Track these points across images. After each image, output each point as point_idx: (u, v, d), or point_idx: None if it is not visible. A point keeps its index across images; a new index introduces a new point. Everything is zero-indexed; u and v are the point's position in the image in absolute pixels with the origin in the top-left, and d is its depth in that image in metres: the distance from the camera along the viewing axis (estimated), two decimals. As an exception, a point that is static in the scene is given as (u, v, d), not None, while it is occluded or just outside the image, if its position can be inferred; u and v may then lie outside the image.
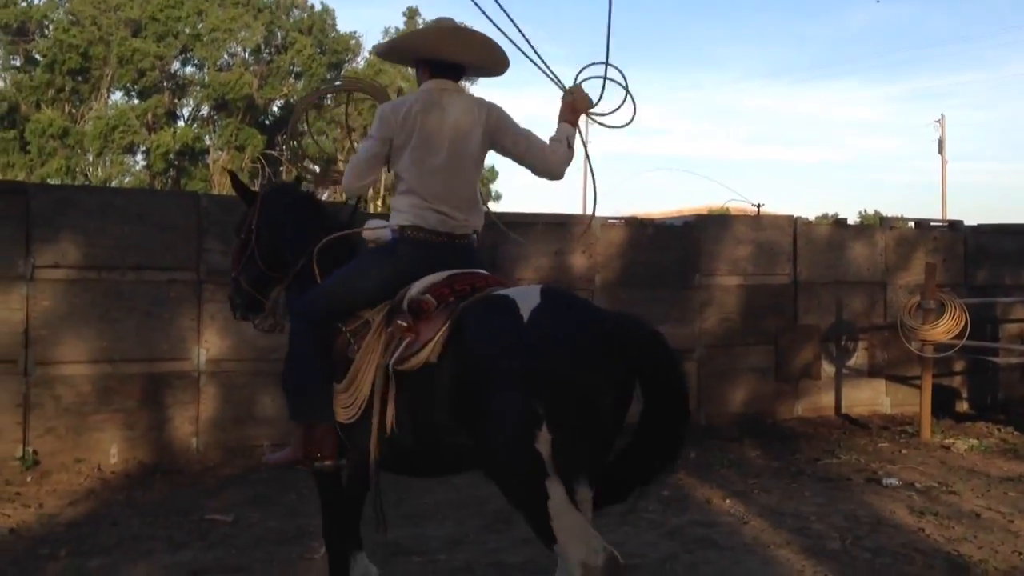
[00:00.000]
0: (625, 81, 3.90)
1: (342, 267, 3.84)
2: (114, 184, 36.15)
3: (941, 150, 35.42)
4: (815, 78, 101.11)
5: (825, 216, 33.71)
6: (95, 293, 7.12)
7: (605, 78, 3.87)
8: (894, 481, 6.95)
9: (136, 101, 38.46)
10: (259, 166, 39.49)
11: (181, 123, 40.51)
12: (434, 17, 3.94)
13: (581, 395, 3.02)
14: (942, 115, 35.67)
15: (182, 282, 7.38)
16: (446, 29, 3.81)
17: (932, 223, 10.72)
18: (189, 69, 40.98)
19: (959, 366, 10.15)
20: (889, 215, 35.46)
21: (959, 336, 8.40)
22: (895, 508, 6.24)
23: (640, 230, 8.98)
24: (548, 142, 3.81)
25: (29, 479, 6.67)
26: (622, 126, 4.01)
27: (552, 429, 2.97)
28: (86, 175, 37.60)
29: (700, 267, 9.10)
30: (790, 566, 5.07)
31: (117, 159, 38.32)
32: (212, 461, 7.34)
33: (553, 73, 3.89)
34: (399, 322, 3.43)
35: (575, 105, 3.84)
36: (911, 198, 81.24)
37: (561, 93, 3.91)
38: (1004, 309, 10.41)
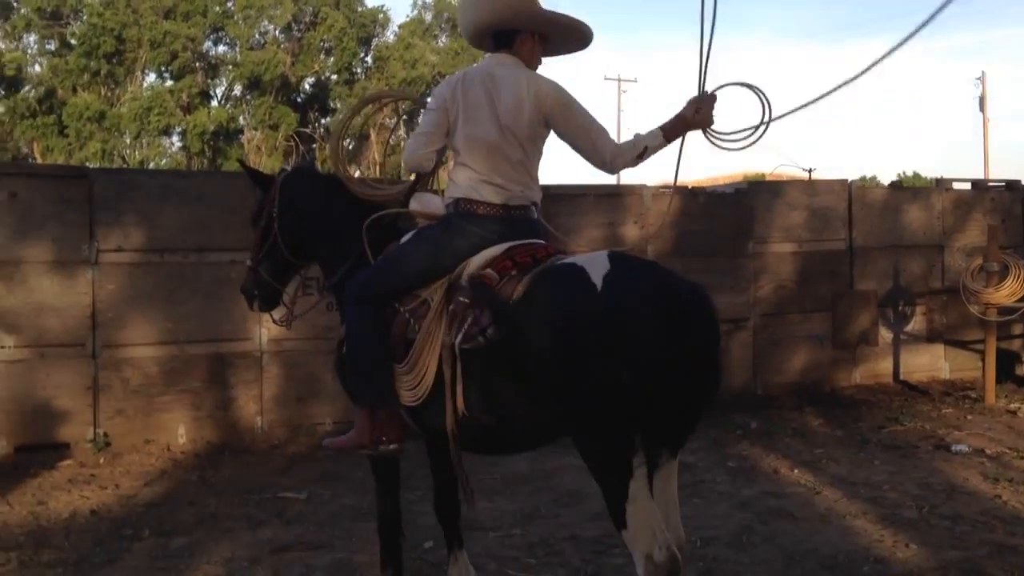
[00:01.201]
0: (770, 113, 3.56)
1: (394, 246, 3.80)
2: (151, 165, 36.53)
3: (982, 108, 34.72)
4: (848, 37, 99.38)
5: (863, 179, 33.24)
6: (158, 276, 7.19)
7: (765, 121, 3.54)
8: (963, 447, 6.88)
9: (170, 83, 38.67)
10: (293, 144, 39.64)
11: (215, 103, 40.72)
12: None
13: (662, 362, 2.96)
14: (983, 72, 34.93)
15: (242, 263, 7.35)
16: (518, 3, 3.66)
17: (989, 183, 10.52)
18: (221, 49, 41.18)
19: (1019, 329, 9.98)
20: (928, 176, 34.75)
21: (1023, 299, 8.26)
22: (967, 475, 6.17)
23: (692, 199, 8.90)
24: (619, 141, 3.63)
25: (102, 461, 6.78)
26: (735, 150, 3.66)
27: (636, 400, 2.94)
28: (123, 157, 37.98)
29: (753, 234, 9.01)
30: (869, 536, 5.03)
31: (154, 141, 38.67)
32: (277, 439, 7.42)
33: (706, 68, 3.50)
34: (461, 299, 3.38)
35: (693, 118, 3.51)
36: (951, 158, 79.82)
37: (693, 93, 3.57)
38: (1065, 270, 10.19)
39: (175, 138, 39.85)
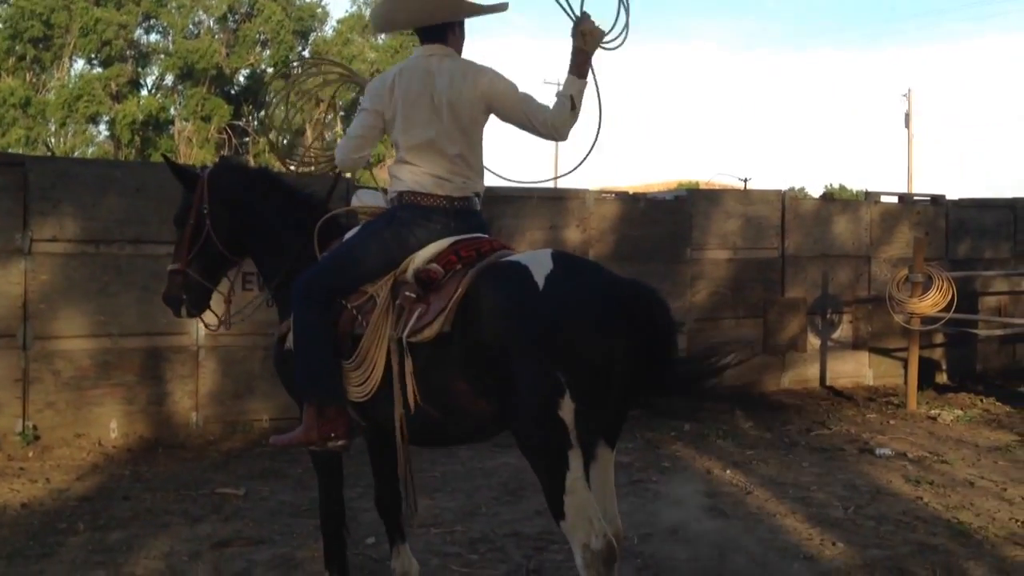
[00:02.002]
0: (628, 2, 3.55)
1: (338, 243, 3.82)
2: (76, 154, 35.59)
3: (908, 124, 35.77)
4: (784, 51, 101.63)
5: (792, 190, 34.06)
6: (93, 267, 7.07)
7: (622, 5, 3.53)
8: (887, 451, 7.13)
9: (99, 70, 37.73)
10: (225, 136, 39.04)
11: (144, 92, 39.87)
12: None
13: (601, 362, 3.09)
14: (909, 89, 35.99)
15: (180, 256, 7.32)
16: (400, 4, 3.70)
17: (915, 197, 10.90)
18: (153, 37, 40.33)
19: (939, 338, 10.37)
20: (854, 189, 35.65)
21: (946, 309, 8.59)
22: (891, 477, 6.41)
23: (632, 204, 9.06)
24: (552, 104, 3.58)
25: (31, 454, 6.65)
26: (614, 48, 3.61)
27: (575, 397, 3.06)
28: (47, 145, 36.95)
29: (691, 241, 9.20)
30: (798, 534, 5.21)
31: (81, 129, 37.66)
32: (212, 435, 7.35)
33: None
34: (407, 293, 3.42)
35: (585, 43, 3.46)
36: (877, 171, 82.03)
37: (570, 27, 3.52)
38: (983, 282, 10.64)
39: (103, 127, 38.93)
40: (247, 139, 41.79)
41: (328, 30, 42.89)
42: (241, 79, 41.91)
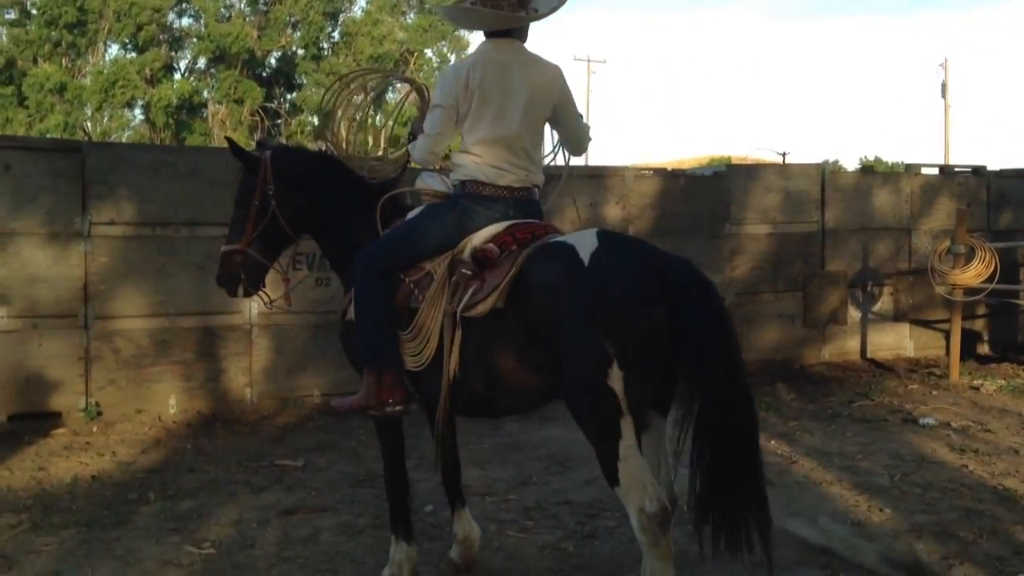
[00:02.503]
0: None
1: (400, 220, 3.98)
2: (112, 139, 36.05)
3: (944, 94, 35.36)
4: (814, 17, 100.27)
5: (826, 163, 33.81)
6: (150, 249, 7.28)
7: None
8: (930, 421, 7.20)
9: (133, 55, 38.14)
10: (258, 119, 39.33)
11: (178, 76, 40.27)
12: None
13: (645, 331, 3.22)
14: (945, 59, 35.55)
15: (233, 237, 7.51)
16: (478, 12, 3.79)
17: (956, 168, 10.87)
18: (186, 21, 40.67)
19: (980, 310, 10.36)
20: (890, 161, 35.31)
21: (988, 280, 8.61)
22: (935, 446, 6.48)
23: (671, 181, 9.13)
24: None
25: (95, 429, 6.89)
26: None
27: (622, 366, 3.18)
28: (85, 130, 37.46)
29: (730, 216, 9.26)
30: (844, 501, 5.31)
31: (117, 114, 38.13)
32: (266, 410, 7.56)
33: None
34: (463, 271, 3.60)
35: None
36: (913, 143, 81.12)
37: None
38: (1024, 253, 10.60)
39: (138, 111, 39.39)
40: (279, 121, 42.14)
41: (357, 10, 43.03)
42: (272, 61, 42.19)
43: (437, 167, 4.11)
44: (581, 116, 3.95)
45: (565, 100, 3.88)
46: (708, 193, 9.19)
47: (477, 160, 3.76)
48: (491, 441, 6.61)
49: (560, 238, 3.58)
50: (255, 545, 4.56)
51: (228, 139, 4.57)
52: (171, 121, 38.12)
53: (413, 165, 4.14)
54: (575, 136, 3.95)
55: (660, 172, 9.25)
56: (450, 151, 3.99)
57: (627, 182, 8.80)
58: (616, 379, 3.18)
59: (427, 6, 42.56)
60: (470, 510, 4.37)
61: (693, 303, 3.31)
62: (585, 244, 3.37)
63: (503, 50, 3.80)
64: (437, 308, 3.61)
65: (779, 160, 27.59)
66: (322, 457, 6.26)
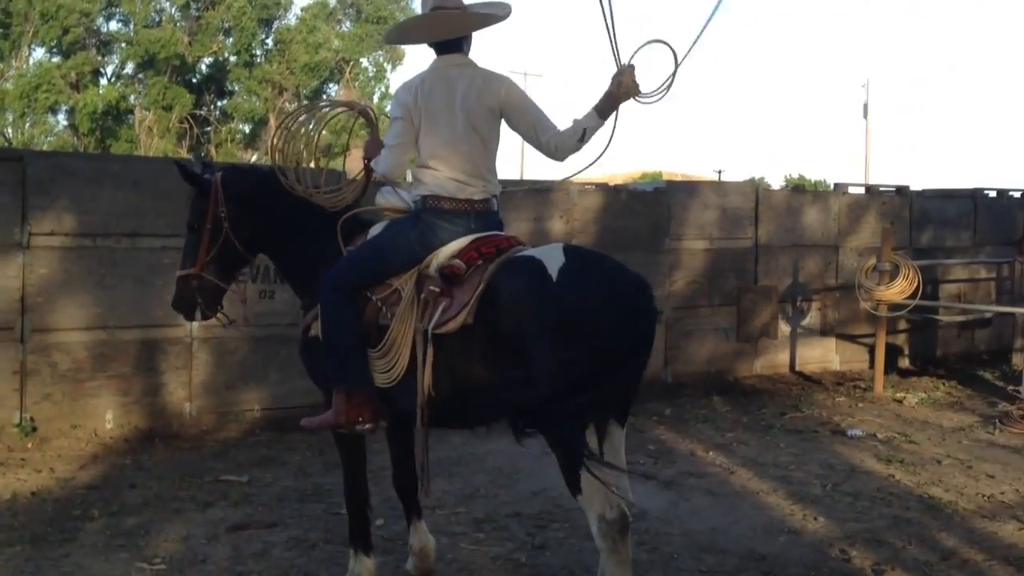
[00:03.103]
0: (676, 65, 3.74)
1: (362, 237, 4.05)
2: (34, 145, 35.13)
3: (865, 114, 36.49)
4: (743, 36, 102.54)
5: (752, 179, 34.58)
6: (90, 260, 7.17)
7: (675, 70, 3.74)
8: (858, 432, 7.48)
9: (58, 59, 37.23)
10: (187, 126, 38.74)
11: (104, 81, 39.43)
12: None
13: (610, 344, 3.39)
14: (867, 80, 36.70)
15: (175, 249, 7.34)
16: (425, 18, 3.94)
17: (881, 188, 11.28)
18: (114, 25, 39.85)
19: (902, 325, 10.76)
20: (812, 179, 36.19)
21: (912, 296, 8.97)
22: (863, 457, 6.75)
23: (614, 196, 9.31)
24: (562, 128, 3.85)
25: (30, 445, 6.76)
26: (648, 103, 3.83)
27: (588, 378, 3.34)
28: (6, 136, 36.47)
29: (670, 232, 9.48)
30: (781, 510, 5.52)
31: (40, 119, 37.17)
32: (206, 425, 7.49)
33: (617, 47, 3.72)
34: (432, 288, 3.68)
35: (618, 91, 3.71)
36: (835, 162, 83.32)
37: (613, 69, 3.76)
38: (944, 270, 11.06)
39: (62, 117, 38.45)
40: (208, 128, 41.52)
41: (292, 18, 42.66)
42: (203, 68, 41.58)
43: (403, 179, 4.16)
44: (547, 123, 3.86)
45: (514, 108, 3.87)
46: (649, 209, 9.39)
47: (436, 174, 3.85)
48: (436, 455, 6.61)
49: (527, 252, 3.70)
50: (207, 560, 4.56)
51: (177, 162, 4.56)
52: (96, 127, 37.32)
53: (375, 178, 4.17)
54: (541, 137, 3.86)
55: (603, 187, 9.42)
56: (411, 166, 4.07)
57: (571, 197, 8.95)
58: (583, 391, 3.30)
59: (363, 15, 42.48)
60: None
61: (641, 323, 3.49)
62: (552, 259, 3.50)
63: (449, 65, 3.91)
64: (407, 325, 3.70)
65: (714, 177, 28.17)
66: (266, 472, 6.25)
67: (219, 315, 4.31)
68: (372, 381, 3.79)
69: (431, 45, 3.98)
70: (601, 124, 3.79)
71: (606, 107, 3.78)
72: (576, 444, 3.38)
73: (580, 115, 3.83)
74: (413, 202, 4.00)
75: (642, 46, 3.77)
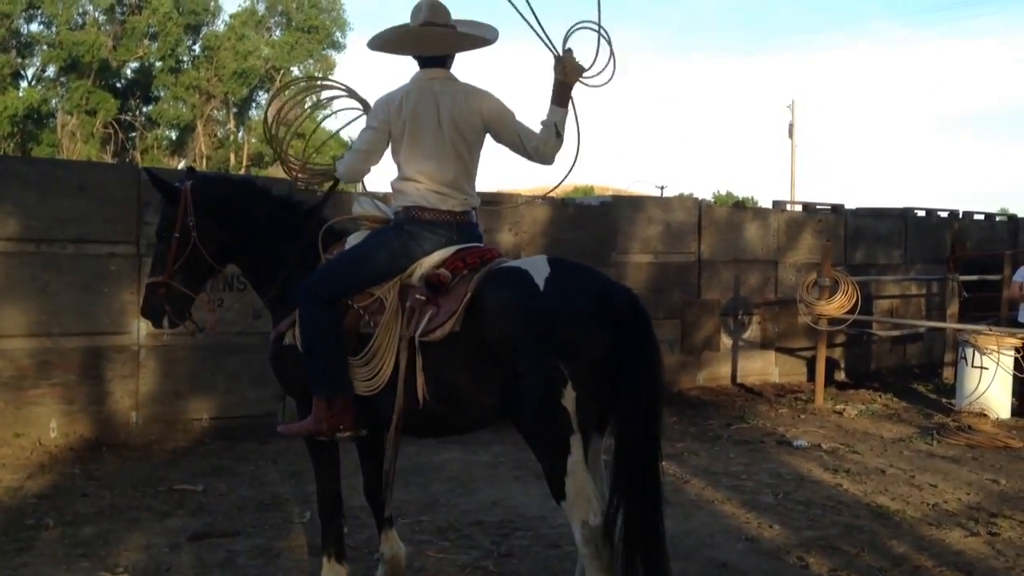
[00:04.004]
0: (610, 39, 3.83)
1: (339, 246, 4.06)
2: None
3: (791, 134, 37.35)
4: (672, 55, 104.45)
5: (681, 196, 35.14)
6: (34, 266, 6.99)
7: (600, 39, 3.81)
8: (803, 443, 7.68)
9: (-23, 60, 36.10)
10: (111, 131, 37.89)
11: (24, 84, 38.36)
12: None
13: (597, 354, 3.43)
14: (793, 100, 37.58)
15: (122, 256, 7.32)
16: (415, 31, 3.97)
17: (817, 206, 11.62)
18: (35, 27, 38.78)
19: (838, 339, 11.08)
20: (739, 196, 36.88)
21: (851, 311, 9.25)
22: (810, 467, 6.93)
23: (561, 209, 9.42)
24: (539, 131, 3.91)
25: (-29, 454, 6.55)
26: (602, 85, 3.91)
27: (576, 386, 3.38)
28: (-81, 138, 35.21)
29: (616, 245, 9.62)
30: (736, 519, 5.64)
31: (-42, 122, 35.94)
32: (153, 435, 7.35)
33: (547, 37, 3.82)
34: (417, 296, 3.71)
35: (566, 77, 3.80)
36: (761, 179, 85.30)
37: (551, 61, 3.86)
38: (878, 286, 11.43)
39: (-21, 120, 37.21)
40: (134, 134, 40.67)
41: (220, 24, 42.06)
42: (129, 72, 40.72)
43: (358, 186, 4.15)
44: (528, 131, 3.92)
45: (498, 121, 3.93)
46: (595, 222, 9.52)
47: (419, 186, 3.87)
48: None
49: (512, 263, 3.75)
50: (171, 569, 4.49)
51: (147, 170, 4.55)
52: (16, 131, 36.26)
53: (355, 188, 4.19)
54: (527, 145, 3.91)
55: (550, 201, 9.51)
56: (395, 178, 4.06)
57: (520, 209, 9.03)
58: (569, 399, 3.36)
59: (294, 23, 42.08)
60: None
61: (634, 332, 3.53)
62: (538, 270, 3.54)
63: (433, 79, 3.93)
64: (392, 333, 3.69)
65: (640, 191, 28.64)
66: (221, 482, 6.15)
67: (188, 323, 4.26)
68: (352, 388, 3.78)
69: (415, 58, 4.01)
70: (565, 112, 3.87)
71: (560, 96, 3.85)
72: (562, 451, 3.42)
73: (543, 117, 3.91)
74: (394, 213, 4.02)
75: (572, 30, 3.85)
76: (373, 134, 3.93)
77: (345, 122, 4.44)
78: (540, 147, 3.89)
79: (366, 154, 3.97)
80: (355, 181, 4.27)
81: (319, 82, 4.54)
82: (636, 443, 3.49)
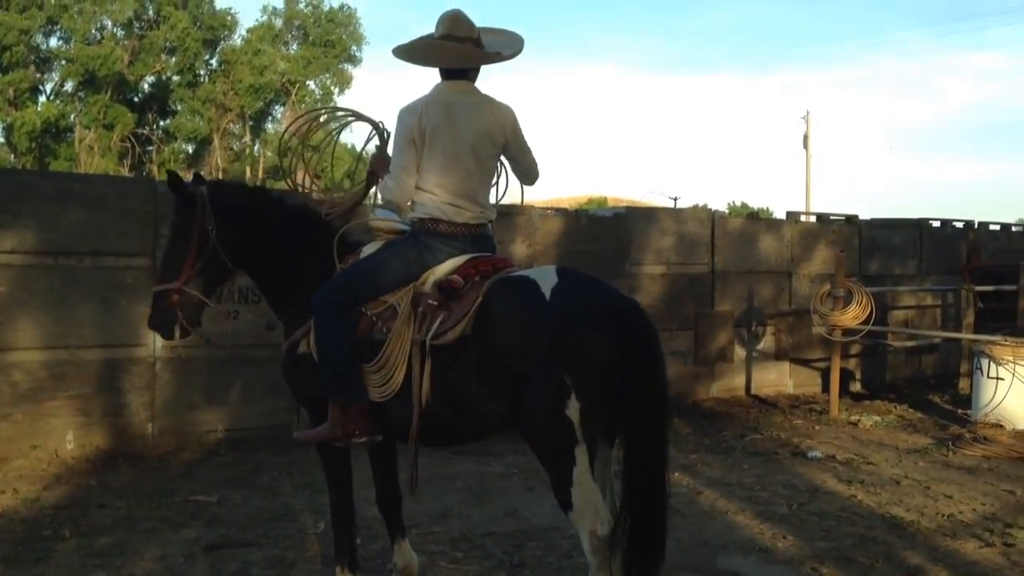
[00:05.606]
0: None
1: (353, 256, 4.09)
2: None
3: (806, 145, 37.28)
4: (687, 72, 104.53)
5: (695, 207, 35.12)
6: (52, 279, 7.06)
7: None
8: (818, 454, 7.66)
9: (-2, 76, 36.46)
10: (129, 145, 38.17)
11: (43, 99, 38.72)
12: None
13: (602, 365, 3.45)
14: (807, 112, 37.52)
15: (138, 268, 7.38)
16: (434, 44, 3.99)
17: (831, 217, 11.60)
18: (54, 42, 39.18)
19: (853, 349, 11.05)
20: (754, 207, 36.84)
21: (865, 322, 9.23)
22: (825, 478, 6.91)
23: (575, 221, 9.46)
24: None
25: (-11, 466, 6.61)
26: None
27: (580, 397, 3.40)
28: (-61, 153, 35.57)
29: (629, 256, 9.63)
30: (750, 529, 5.62)
31: (-23, 137, 36.32)
32: (169, 446, 7.40)
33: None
34: (430, 301, 3.74)
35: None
36: (776, 190, 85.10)
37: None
38: (893, 297, 11.39)
39: (-1, 134, 37.63)
40: (151, 148, 40.95)
41: (237, 39, 42.36)
42: (146, 87, 41.06)
43: (408, 205, 4.13)
44: (530, 150, 4.12)
45: (515, 138, 4.03)
46: (609, 234, 9.54)
47: (435, 199, 3.90)
48: (405, 475, 6.64)
49: (521, 272, 3.78)
50: (186, 580, 4.52)
51: (169, 172, 4.52)
52: (35, 146, 36.60)
53: (369, 202, 4.22)
54: (526, 169, 4.12)
55: (563, 212, 9.57)
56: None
57: (533, 221, 9.06)
58: (573, 409, 3.38)
59: (311, 38, 42.34)
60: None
61: (639, 344, 3.55)
62: (546, 279, 3.57)
63: (454, 91, 3.96)
64: (404, 338, 3.72)
65: (655, 203, 28.66)
66: (235, 493, 6.19)
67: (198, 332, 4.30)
68: (367, 394, 3.81)
69: (439, 69, 4.04)
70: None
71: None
72: (567, 461, 3.44)
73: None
74: (410, 223, 4.04)
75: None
76: (406, 148, 3.92)
77: (362, 145, 4.47)
78: (534, 169, 4.15)
79: (405, 171, 3.93)
80: (405, 202, 4.09)
81: (322, 115, 4.51)
82: (643, 455, 3.53)
